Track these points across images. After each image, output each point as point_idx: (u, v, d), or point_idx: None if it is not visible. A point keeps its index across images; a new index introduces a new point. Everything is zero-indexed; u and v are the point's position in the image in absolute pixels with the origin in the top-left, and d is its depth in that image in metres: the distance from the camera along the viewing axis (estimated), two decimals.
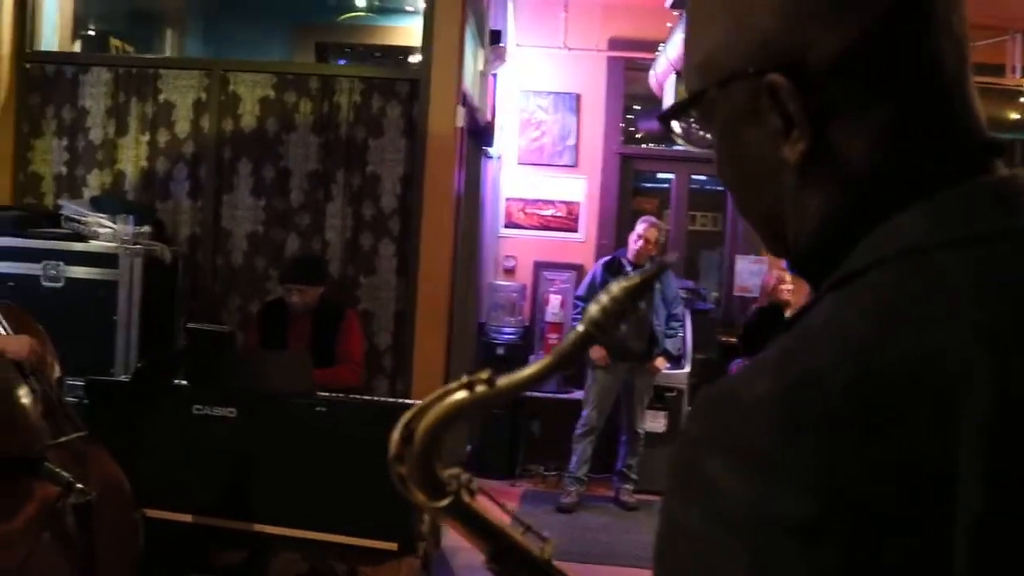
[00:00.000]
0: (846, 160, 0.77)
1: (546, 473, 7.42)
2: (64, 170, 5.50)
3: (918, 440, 0.63)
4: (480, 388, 0.87)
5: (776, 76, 0.76)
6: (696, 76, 0.84)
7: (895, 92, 0.76)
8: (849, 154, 0.76)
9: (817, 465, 0.63)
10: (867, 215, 0.75)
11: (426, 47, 5.24)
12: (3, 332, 3.63)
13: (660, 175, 8.84)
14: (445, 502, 0.90)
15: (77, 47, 6.25)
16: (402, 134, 5.29)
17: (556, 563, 0.96)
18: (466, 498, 0.91)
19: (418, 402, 0.90)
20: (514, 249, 7.89)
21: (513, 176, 7.87)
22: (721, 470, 0.65)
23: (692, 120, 0.89)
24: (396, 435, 0.89)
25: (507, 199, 7.88)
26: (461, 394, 0.87)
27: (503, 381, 0.87)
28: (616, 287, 0.85)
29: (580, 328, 0.86)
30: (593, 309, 0.85)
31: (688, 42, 0.85)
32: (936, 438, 0.64)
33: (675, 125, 0.89)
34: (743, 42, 0.78)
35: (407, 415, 0.90)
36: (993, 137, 0.79)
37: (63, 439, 3.52)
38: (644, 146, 8.62)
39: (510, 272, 7.88)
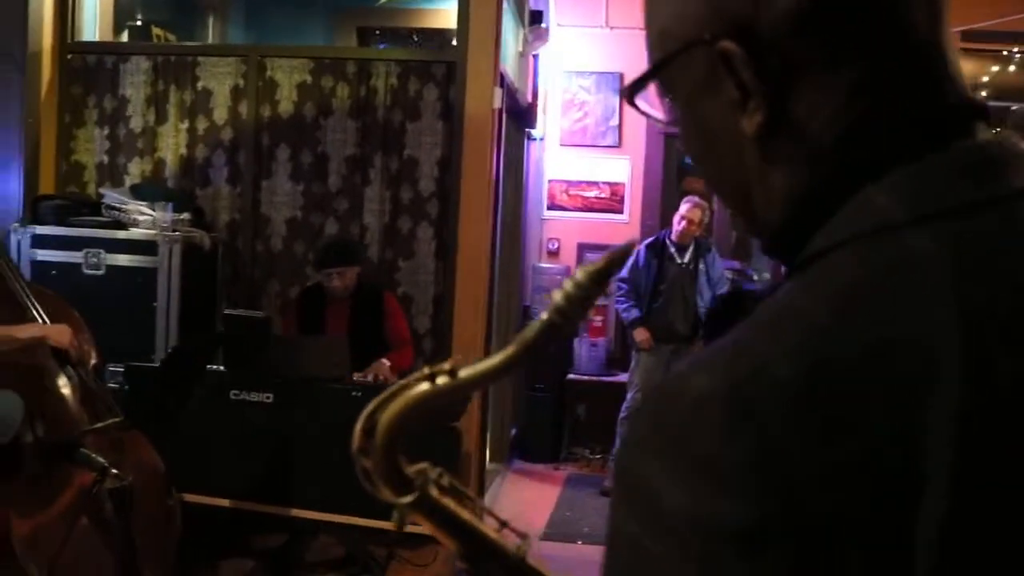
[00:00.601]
0: (809, 131, 0.71)
1: (591, 456, 7.38)
2: (106, 159, 5.54)
3: (876, 439, 0.58)
4: (442, 380, 0.83)
5: (727, 43, 0.71)
6: (654, 47, 0.79)
7: (859, 54, 0.70)
8: (812, 124, 0.71)
9: (760, 467, 0.58)
10: (835, 190, 0.70)
11: (462, 29, 5.19)
12: (42, 320, 3.66)
13: None
14: (410, 498, 0.86)
15: (124, 37, 6.29)
16: (439, 117, 5.26)
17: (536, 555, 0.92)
18: (434, 493, 0.87)
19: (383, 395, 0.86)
20: (557, 231, 7.84)
21: (556, 157, 7.81)
22: (660, 474, 0.61)
23: (655, 93, 0.85)
24: (358, 428, 0.86)
25: (550, 181, 7.81)
26: (423, 386, 0.84)
27: (465, 372, 0.83)
28: (580, 272, 0.81)
29: (544, 316, 0.81)
30: (557, 296, 0.81)
31: (646, 12, 0.80)
32: (898, 436, 0.58)
33: (640, 102, 0.84)
34: (695, 8, 0.73)
35: (370, 407, 0.86)
36: (975, 99, 0.73)
37: (99, 425, 3.55)
38: None
39: (554, 254, 7.83)
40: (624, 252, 0.83)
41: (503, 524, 0.93)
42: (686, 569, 0.59)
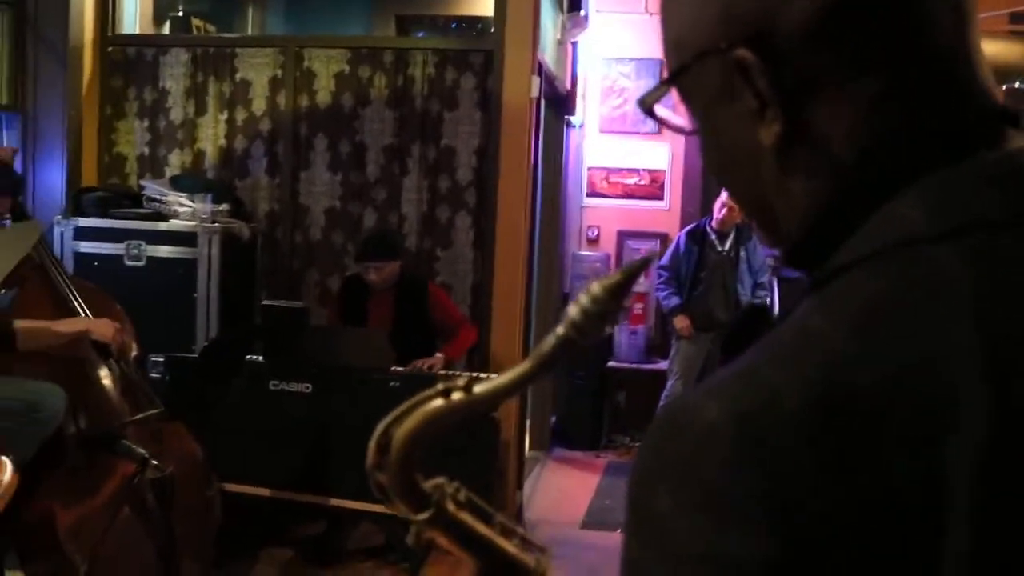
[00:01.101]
0: (829, 141, 0.69)
1: (631, 444, 7.35)
2: (146, 150, 5.59)
3: (893, 474, 0.56)
4: (457, 395, 0.82)
5: (743, 51, 0.69)
6: (670, 57, 0.77)
7: (879, 63, 0.67)
8: (832, 134, 0.68)
9: (772, 502, 0.56)
10: (858, 202, 0.67)
11: (499, 17, 5.17)
12: (84, 313, 3.70)
13: None
14: (426, 515, 0.85)
15: (165, 28, 6.33)
16: (477, 106, 5.24)
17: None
18: (451, 509, 0.86)
19: (404, 407, 0.85)
20: (597, 218, 7.79)
21: (595, 145, 7.76)
22: (671, 508, 0.59)
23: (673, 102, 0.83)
24: (373, 444, 0.85)
25: (589, 168, 7.76)
26: (437, 402, 0.83)
27: (480, 389, 0.82)
28: (596, 285, 0.79)
29: (560, 331, 0.80)
30: (573, 311, 0.79)
31: (662, 21, 0.79)
32: (917, 470, 0.56)
33: (659, 111, 0.82)
34: (710, 15, 0.71)
35: (384, 422, 0.85)
36: (1004, 105, 0.70)
37: (140, 416, 3.59)
38: None
39: (593, 242, 7.79)
40: (641, 265, 0.81)
41: (522, 539, 0.92)
42: None
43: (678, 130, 0.85)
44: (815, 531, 0.55)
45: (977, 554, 0.55)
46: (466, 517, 0.87)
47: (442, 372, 4.53)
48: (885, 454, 0.56)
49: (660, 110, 0.84)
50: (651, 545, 0.60)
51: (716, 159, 0.79)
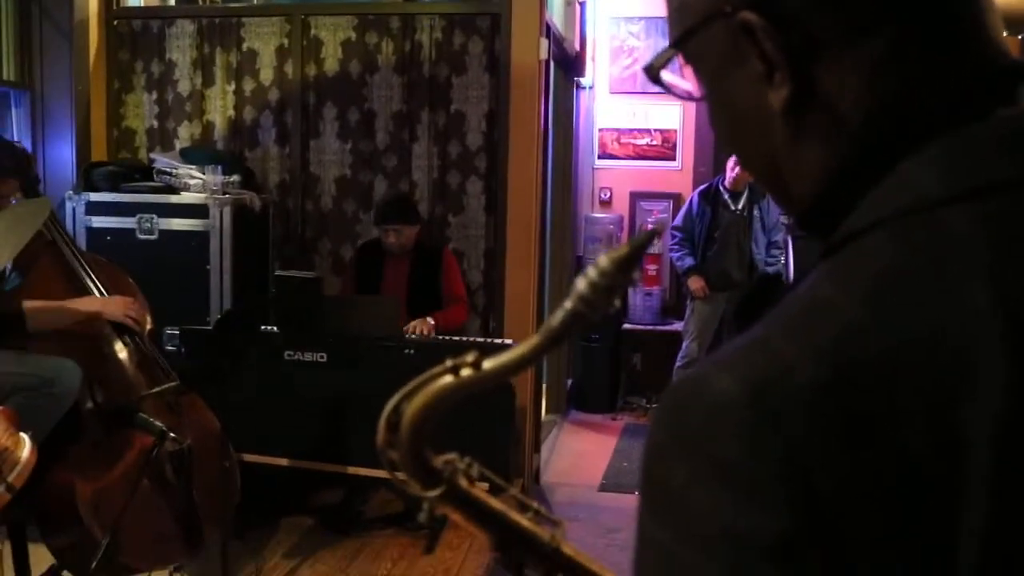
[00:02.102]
0: (838, 104, 0.67)
1: (647, 406, 7.36)
2: (155, 123, 5.58)
3: (911, 446, 0.55)
4: (466, 372, 0.81)
5: (748, 13, 0.67)
6: (675, 22, 0.76)
7: (888, 19, 0.66)
8: (841, 97, 0.67)
9: (786, 477, 0.55)
10: (869, 165, 0.66)
11: None
12: (96, 288, 3.70)
13: None
14: (438, 491, 0.84)
15: (171, 1, 6.29)
16: (485, 70, 5.21)
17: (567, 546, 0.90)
18: (463, 484, 0.86)
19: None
20: (609, 180, 7.76)
21: (606, 106, 7.71)
22: (687, 481, 0.58)
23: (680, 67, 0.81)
24: (383, 422, 0.84)
25: (600, 129, 7.72)
26: (446, 379, 0.82)
27: (489, 364, 0.81)
28: (604, 259, 0.78)
29: (568, 305, 0.79)
30: (581, 285, 0.78)
31: None
32: (933, 438, 0.55)
33: (665, 77, 0.81)
34: None
35: (394, 400, 0.85)
36: (1018, 61, 0.68)
37: (156, 389, 3.60)
38: None
39: (606, 204, 7.76)
40: (649, 237, 0.80)
41: (536, 512, 0.91)
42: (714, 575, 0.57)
43: (685, 96, 0.83)
44: (831, 503, 0.55)
45: (993, 527, 0.54)
46: (479, 492, 0.87)
47: (453, 338, 4.52)
48: (900, 424, 0.55)
49: (667, 76, 0.83)
50: (665, 519, 0.59)
51: (724, 125, 0.78)
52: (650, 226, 7.58)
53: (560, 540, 0.90)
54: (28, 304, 3.41)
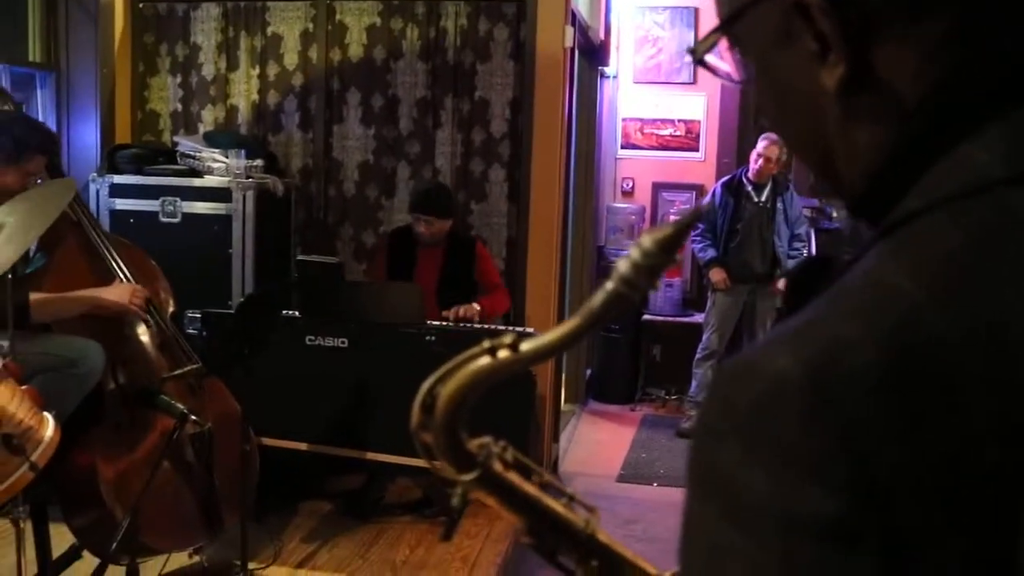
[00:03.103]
0: (895, 84, 0.65)
1: (666, 398, 7.35)
2: (179, 107, 5.58)
3: (974, 432, 0.53)
4: (503, 354, 0.80)
5: None
6: (723, 2, 0.74)
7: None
8: (898, 76, 0.65)
9: (847, 458, 0.53)
10: (925, 147, 0.64)
11: None
12: (120, 271, 3.70)
13: None
14: (473, 475, 0.83)
15: None
16: (510, 57, 5.18)
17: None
18: (498, 468, 0.84)
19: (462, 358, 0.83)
20: (632, 170, 7.72)
21: (630, 95, 7.67)
22: (739, 462, 0.56)
23: (729, 51, 0.79)
24: (417, 404, 0.83)
25: (624, 119, 7.68)
26: (483, 360, 0.80)
27: (527, 346, 0.79)
28: (647, 239, 0.76)
29: (609, 286, 0.77)
30: (623, 265, 0.77)
31: None
32: (997, 426, 0.53)
33: (711, 60, 0.79)
34: None
35: (429, 382, 0.83)
36: None
37: (178, 372, 3.61)
38: None
39: (628, 194, 7.73)
40: (693, 217, 0.78)
41: (570, 498, 0.90)
42: (767, 561, 0.55)
43: (730, 79, 0.81)
44: (888, 488, 0.53)
45: None
46: (513, 477, 0.86)
47: (474, 326, 4.50)
48: (962, 411, 0.53)
49: (711, 59, 0.81)
50: (716, 500, 0.57)
51: (773, 107, 0.76)
52: (672, 218, 7.55)
53: (595, 527, 0.89)
54: (34, 296, 3.41)
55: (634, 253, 0.76)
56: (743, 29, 0.74)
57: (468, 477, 0.83)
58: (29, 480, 2.47)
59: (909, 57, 0.65)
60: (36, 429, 2.52)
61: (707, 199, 6.81)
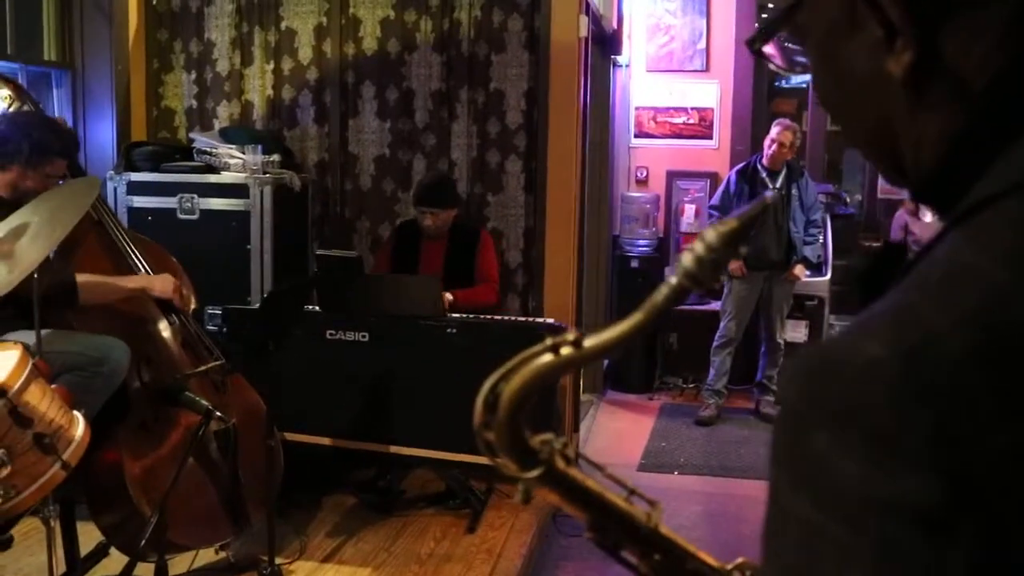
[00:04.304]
0: (963, 68, 0.65)
1: (684, 386, 7.34)
2: (194, 103, 5.59)
3: None
4: (566, 351, 0.80)
5: None
6: None
7: None
8: (966, 61, 0.64)
9: (939, 445, 0.53)
10: (995, 132, 0.63)
11: None
12: (142, 268, 3.72)
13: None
14: (536, 472, 0.83)
15: None
16: (524, 48, 5.17)
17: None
18: (560, 465, 0.84)
19: (517, 358, 0.83)
20: (646, 159, 7.71)
21: (642, 84, 7.65)
22: (830, 449, 0.56)
23: (786, 41, 0.79)
24: (480, 401, 0.83)
25: (637, 108, 7.67)
26: (546, 357, 0.80)
27: (590, 342, 0.79)
28: (711, 232, 0.76)
29: (673, 281, 0.77)
30: (687, 259, 0.77)
31: None
32: None
33: (768, 50, 0.78)
34: None
35: (491, 380, 0.83)
36: None
37: (202, 368, 3.62)
38: None
39: (642, 183, 7.71)
40: (758, 210, 0.78)
41: (631, 492, 0.90)
42: (860, 547, 0.55)
43: (788, 70, 0.81)
44: (983, 474, 0.53)
45: None
46: (575, 473, 0.85)
47: (495, 318, 4.49)
48: None
49: (768, 48, 0.80)
50: (807, 489, 0.57)
51: (834, 95, 0.75)
52: (687, 206, 7.54)
53: (657, 520, 0.89)
54: (81, 277, 3.43)
55: (698, 247, 0.76)
56: (805, 18, 0.73)
57: (532, 474, 0.83)
58: (61, 479, 2.48)
59: (978, 40, 0.65)
60: (67, 428, 2.53)
61: (721, 187, 6.80)
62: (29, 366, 2.46)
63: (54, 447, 2.45)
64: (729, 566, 0.90)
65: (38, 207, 3.05)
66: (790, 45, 0.79)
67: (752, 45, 0.79)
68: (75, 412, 2.64)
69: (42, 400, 2.46)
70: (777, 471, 0.60)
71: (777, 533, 0.60)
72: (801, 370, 0.60)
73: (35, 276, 2.81)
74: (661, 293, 0.77)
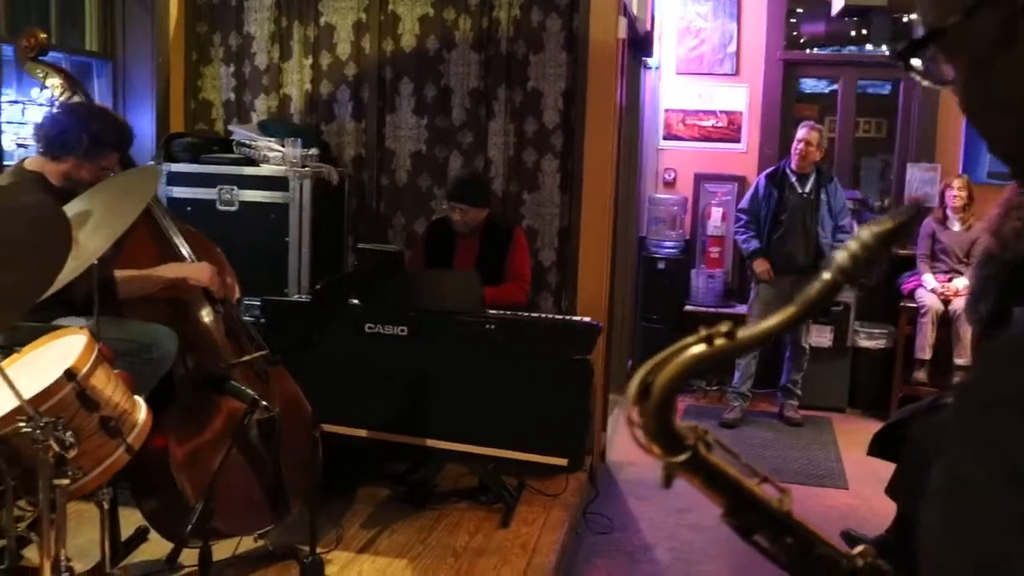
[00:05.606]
0: None
1: (708, 388, 7.36)
2: (232, 96, 5.64)
3: None
4: (719, 341, 0.83)
5: None
6: (936, 6, 0.77)
7: None
8: None
9: None
10: None
11: None
12: (187, 257, 3.76)
13: (820, 80, 8.50)
14: (683, 457, 0.87)
15: None
16: (563, 48, 5.21)
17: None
18: (703, 451, 0.88)
19: (659, 356, 0.87)
20: (674, 161, 7.74)
21: (672, 86, 7.69)
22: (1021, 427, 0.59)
23: (933, 54, 0.82)
24: (634, 389, 0.87)
25: (666, 110, 7.70)
26: (699, 347, 0.84)
27: (744, 333, 0.83)
28: (866, 232, 0.80)
29: (827, 276, 0.81)
30: (841, 256, 0.80)
31: None
32: None
33: (914, 61, 0.82)
34: None
35: (644, 369, 0.87)
36: None
37: (247, 357, 3.66)
38: (808, 51, 8.27)
39: (670, 185, 7.75)
40: (914, 210, 0.82)
41: (764, 479, 0.94)
42: None
43: (939, 82, 0.84)
44: None
45: None
46: (717, 460, 0.89)
47: (532, 315, 4.53)
48: None
49: (917, 63, 0.84)
50: (998, 465, 0.60)
51: (987, 108, 0.79)
52: (714, 208, 7.56)
53: (789, 505, 0.93)
54: (119, 273, 3.48)
55: (853, 245, 0.80)
56: (957, 35, 0.77)
57: (679, 459, 0.87)
58: (125, 462, 2.53)
59: None
60: (131, 412, 2.58)
61: (750, 191, 6.83)
62: (96, 351, 2.50)
63: (119, 430, 2.50)
64: (855, 552, 0.94)
65: (95, 198, 3.09)
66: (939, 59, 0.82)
67: (899, 57, 0.83)
68: (137, 397, 2.68)
69: (107, 384, 2.51)
70: (961, 448, 0.63)
71: (957, 507, 0.63)
72: (995, 355, 0.64)
73: (96, 264, 2.85)
74: (814, 288, 0.81)
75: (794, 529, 0.91)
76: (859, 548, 0.95)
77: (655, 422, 0.86)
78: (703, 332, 0.84)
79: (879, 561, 0.94)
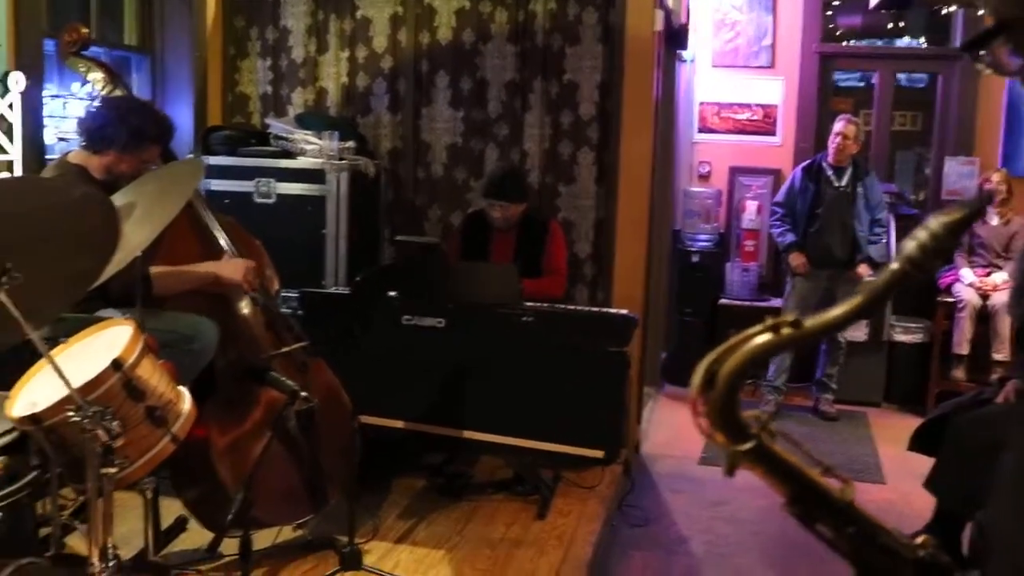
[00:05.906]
0: None
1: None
2: (269, 89, 5.67)
3: None
4: (786, 331, 0.84)
5: None
6: (1006, 3, 0.77)
7: None
8: None
9: None
10: None
11: None
12: (227, 249, 3.78)
13: (856, 73, 8.45)
14: (748, 445, 0.87)
15: None
16: (599, 40, 5.20)
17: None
18: (767, 441, 0.89)
19: (725, 345, 0.87)
20: (708, 154, 7.72)
21: (707, 79, 7.66)
22: None
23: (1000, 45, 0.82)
24: (699, 379, 0.87)
25: (701, 103, 7.68)
26: (765, 336, 0.84)
27: (811, 323, 0.84)
28: (935, 222, 0.80)
29: (895, 266, 0.81)
30: (910, 247, 0.80)
31: None
32: None
33: (984, 55, 0.82)
34: None
35: (709, 358, 0.87)
36: None
37: (286, 349, 3.68)
38: (844, 44, 8.23)
39: (704, 178, 7.72)
40: (982, 203, 0.82)
41: (827, 469, 0.94)
42: None
43: (1005, 72, 0.84)
44: None
45: None
46: (781, 449, 0.90)
47: (568, 308, 4.53)
48: None
49: (984, 54, 0.84)
50: None
51: None
52: (748, 202, 7.53)
53: (851, 495, 0.93)
54: (154, 269, 3.51)
55: (922, 235, 0.80)
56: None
57: (744, 447, 0.87)
58: (170, 452, 2.55)
59: None
60: (176, 402, 2.60)
61: (786, 184, 6.79)
62: (142, 341, 2.53)
63: (165, 420, 2.52)
64: (919, 541, 0.94)
65: (138, 190, 3.12)
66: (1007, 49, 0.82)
67: (967, 48, 0.83)
68: (181, 388, 2.71)
69: (153, 374, 2.54)
70: None
71: None
72: None
73: (139, 257, 2.88)
74: (882, 278, 0.81)
75: (857, 519, 0.91)
76: (920, 539, 0.95)
77: (720, 411, 0.87)
78: (769, 322, 0.84)
79: (940, 552, 0.94)
